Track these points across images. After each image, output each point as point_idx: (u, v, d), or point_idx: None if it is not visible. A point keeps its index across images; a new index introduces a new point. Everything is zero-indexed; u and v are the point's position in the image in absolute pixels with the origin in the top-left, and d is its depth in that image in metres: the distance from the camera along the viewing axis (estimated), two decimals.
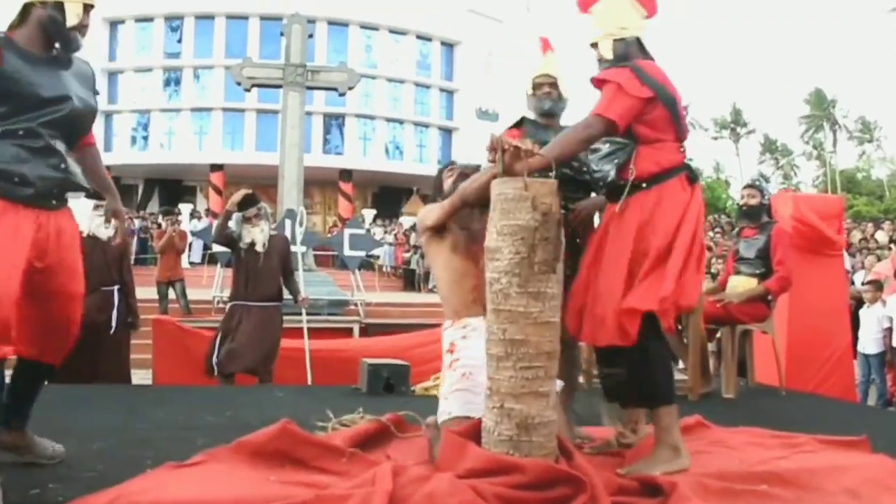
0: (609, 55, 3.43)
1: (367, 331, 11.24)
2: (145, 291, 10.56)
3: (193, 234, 17.31)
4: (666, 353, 3.45)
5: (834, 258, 7.71)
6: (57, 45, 3.02)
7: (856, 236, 16.44)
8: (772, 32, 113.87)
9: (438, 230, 3.52)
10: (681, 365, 5.90)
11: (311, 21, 19.16)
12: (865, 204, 42.26)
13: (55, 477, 3.02)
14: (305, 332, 8.10)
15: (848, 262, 11.17)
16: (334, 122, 36.74)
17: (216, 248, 11.40)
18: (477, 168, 3.55)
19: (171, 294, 13.50)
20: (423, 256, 21.34)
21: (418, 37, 38.13)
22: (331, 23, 35.57)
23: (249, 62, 15.61)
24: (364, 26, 36.90)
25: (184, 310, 13.34)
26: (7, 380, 3.16)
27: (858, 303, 9.12)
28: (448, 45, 38.96)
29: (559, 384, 3.31)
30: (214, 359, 6.63)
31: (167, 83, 36.98)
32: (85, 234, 5.72)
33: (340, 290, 14.28)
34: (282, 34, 15.49)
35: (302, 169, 14.88)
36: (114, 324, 6.50)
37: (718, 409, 5.26)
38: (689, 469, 3.12)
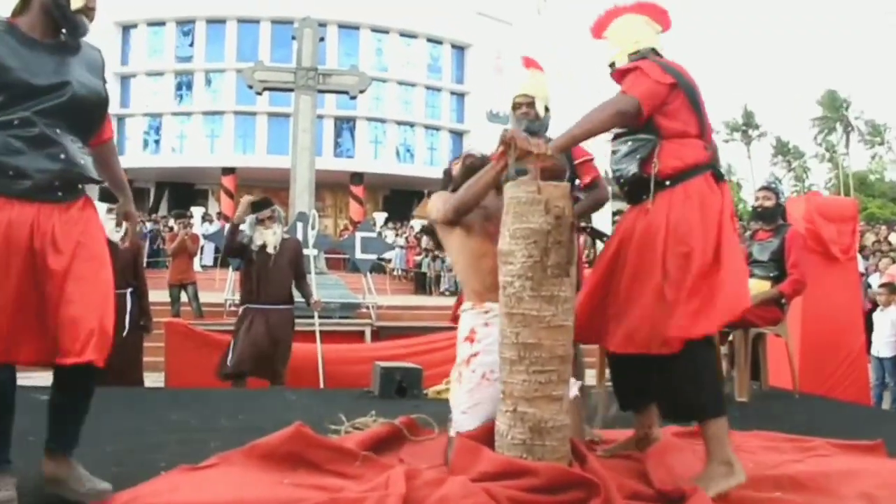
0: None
1: (378, 334, 11.24)
2: (157, 294, 10.57)
3: (205, 237, 17.34)
4: (714, 361, 3.22)
5: (847, 261, 7.67)
6: (64, 30, 2.87)
7: (869, 239, 16.36)
8: (782, 35, 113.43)
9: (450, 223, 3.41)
10: None
11: (323, 24, 19.24)
12: (879, 207, 42.07)
13: None
14: (318, 335, 8.11)
15: (861, 264, 11.12)
16: (345, 125, 36.81)
17: None
18: (484, 159, 3.43)
19: (183, 297, 13.52)
20: (434, 259, 21.37)
21: (429, 40, 38.18)
22: (342, 26, 35.66)
23: (261, 66, 15.65)
24: (375, 29, 36.99)
25: (195, 313, 13.36)
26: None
27: (872, 306, 9.08)
28: (459, 48, 38.99)
29: (577, 384, 3.29)
30: (228, 361, 6.66)
31: (179, 87, 37.12)
32: None
33: (352, 293, 14.29)
34: (293, 38, 15.51)
35: (313, 172, 14.90)
36: (127, 326, 6.52)
37: (731, 412, 5.14)
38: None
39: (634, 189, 3.28)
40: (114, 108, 26.16)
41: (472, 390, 3.22)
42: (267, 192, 7.68)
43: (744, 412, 5.49)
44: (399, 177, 36.96)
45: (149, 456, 3.50)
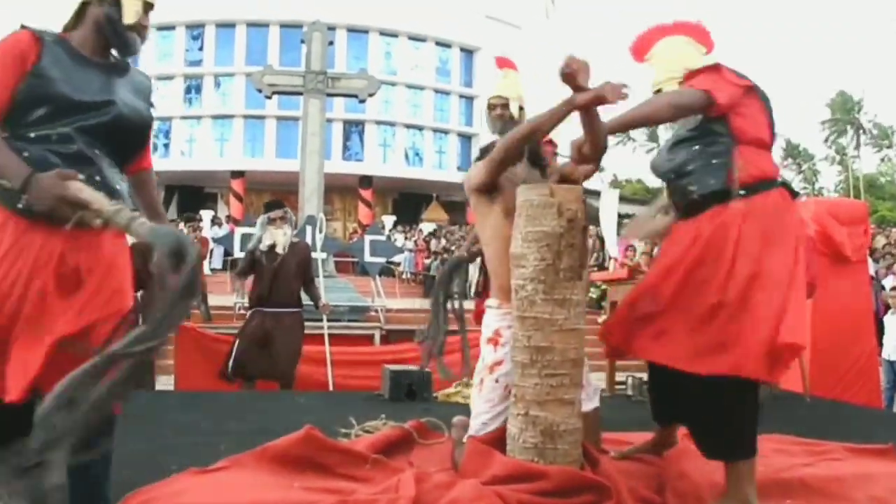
0: None
1: (387, 337, 11.24)
2: None
3: (214, 240, 17.38)
4: (754, 400, 2.96)
5: (857, 264, 7.63)
6: (114, 49, 2.75)
7: (880, 241, 16.27)
8: (791, 38, 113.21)
9: (488, 190, 3.26)
10: None
11: (332, 28, 19.24)
12: (889, 209, 41.89)
13: None
14: (326, 338, 8.12)
15: (872, 267, 11.06)
16: (354, 128, 36.81)
17: (237, 254, 11.44)
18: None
19: None
20: (442, 262, 21.35)
21: (438, 43, 38.16)
22: (350, 30, 35.67)
23: (270, 69, 15.73)
24: (384, 33, 36.99)
25: (204, 316, 13.35)
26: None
27: (884, 309, 9.03)
28: (467, 52, 38.96)
29: (597, 394, 3.27)
30: (230, 362, 6.68)
31: (188, 90, 37.18)
32: None
33: (361, 296, 14.30)
34: (302, 41, 15.57)
35: (322, 176, 14.94)
36: None
37: None
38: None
39: (707, 202, 2.90)
40: None
41: (494, 403, 3.14)
42: (276, 195, 7.67)
43: None
44: (408, 180, 36.94)
45: (160, 458, 3.50)
